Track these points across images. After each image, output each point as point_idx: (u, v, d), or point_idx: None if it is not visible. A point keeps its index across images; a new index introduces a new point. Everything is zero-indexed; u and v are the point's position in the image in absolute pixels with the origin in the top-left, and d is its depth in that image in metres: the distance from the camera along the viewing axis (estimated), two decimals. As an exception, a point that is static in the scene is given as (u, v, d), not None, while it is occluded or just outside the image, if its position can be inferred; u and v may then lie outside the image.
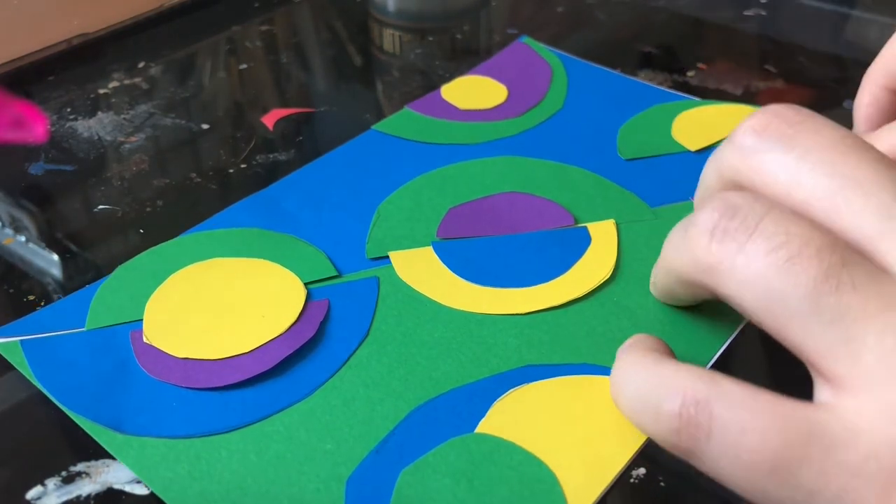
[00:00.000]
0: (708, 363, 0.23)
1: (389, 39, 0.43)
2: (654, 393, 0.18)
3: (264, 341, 0.24)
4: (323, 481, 0.20)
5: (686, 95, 0.36)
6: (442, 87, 0.37)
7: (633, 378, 0.20)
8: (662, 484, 0.21)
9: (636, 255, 0.27)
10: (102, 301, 0.26)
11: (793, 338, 0.17)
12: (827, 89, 0.37)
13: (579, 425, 0.22)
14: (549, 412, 0.22)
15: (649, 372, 0.19)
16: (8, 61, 0.39)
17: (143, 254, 0.28)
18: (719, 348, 0.24)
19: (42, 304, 0.26)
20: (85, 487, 0.21)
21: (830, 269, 0.16)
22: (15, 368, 0.24)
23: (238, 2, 0.45)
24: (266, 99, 0.38)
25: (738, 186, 0.20)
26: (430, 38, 0.42)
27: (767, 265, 0.17)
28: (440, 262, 0.27)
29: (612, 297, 0.26)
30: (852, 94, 0.36)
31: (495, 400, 0.22)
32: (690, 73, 0.38)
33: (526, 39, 0.41)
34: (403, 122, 0.34)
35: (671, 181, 0.31)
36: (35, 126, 0.35)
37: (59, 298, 0.26)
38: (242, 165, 0.33)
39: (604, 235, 0.28)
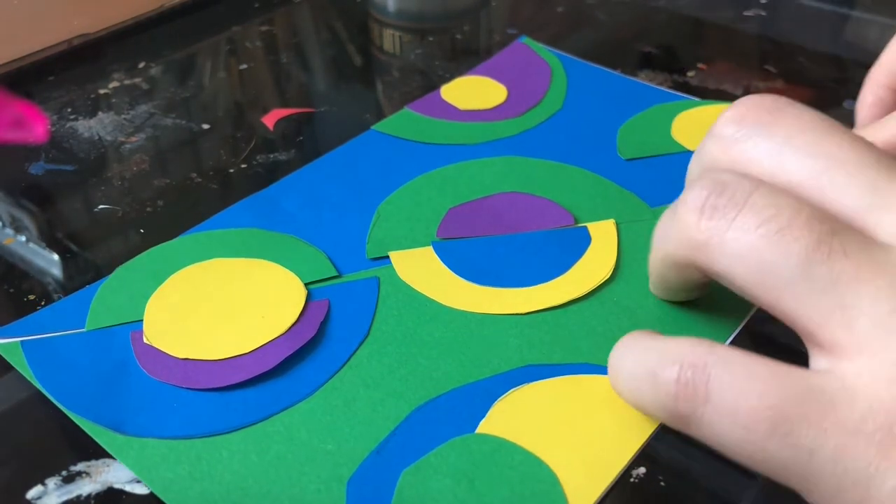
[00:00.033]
0: None
1: (389, 39, 0.43)
2: (651, 362, 0.18)
3: (265, 342, 0.24)
4: (324, 482, 0.20)
5: (686, 95, 0.36)
6: (441, 88, 0.37)
7: (630, 353, 0.20)
8: (662, 484, 0.21)
9: (636, 254, 0.27)
10: (102, 301, 0.26)
11: (786, 309, 0.17)
12: (827, 89, 0.37)
13: (580, 425, 0.22)
14: (549, 412, 0.22)
15: (647, 345, 0.19)
16: (8, 61, 0.39)
17: (144, 254, 0.28)
18: None
19: (42, 303, 0.26)
20: (85, 487, 0.21)
21: (821, 237, 0.17)
22: (15, 369, 0.24)
23: (238, 2, 0.46)
24: (266, 99, 0.38)
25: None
26: (430, 39, 0.42)
27: (758, 237, 0.17)
28: (440, 262, 0.27)
29: (612, 297, 0.26)
30: (852, 95, 0.36)
31: (496, 400, 0.22)
32: (690, 74, 0.38)
33: (525, 40, 0.41)
34: (403, 123, 0.34)
35: (671, 181, 0.31)
36: (35, 126, 0.35)
37: (60, 298, 0.26)
38: (243, 165, 0.33)
39: (604, 235, 0.28)
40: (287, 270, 0.27)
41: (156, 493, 0.20)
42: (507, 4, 0.46)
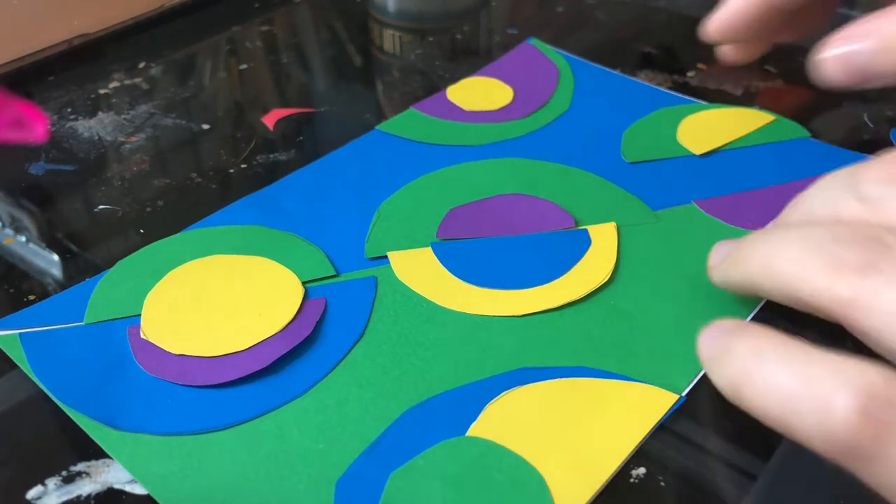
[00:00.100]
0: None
1: (390, 40, 0.43)
2: (822, 382, 0.16)
3: (261, 339, 0.24)
4: (313, 482, 0.20)
5: (692, 99, 0.36)
6: (448, 89, 0.37)
7: (781, 365, 0.17)
8: (662, 484, 0.21)
9: (636, 258, 0.27)
10: (102, 295, 0.26)
11: None
12: (826, 90, 0.37)
13: (571, 429, 0.22)
14: (540, 415, 0.22)
15: (807, 358, 0.17)
16: (8, 61, 0.39)
17: (143, 249, 0.28)
18: None
19: (39, 302, 0.26)
20: (85, 487, 0.21)
21: None
22: (15, 369, 0.24)
23: (238, 2, 0.45)
24: (266, 99, 0.38)
25: None
26: (431, 39, 0.42)
27: None
28: (439, 263, 0.27)
29: (610, 300, 0.26)
30: (852, 95, 0.36)
31: (488, 403, 0.22)
32: (690, 74, 0.38)
33: (533, 41, 0.41)
34: (408, 123, 0.34)
35: (674, 184, 0.31)
36: (35, 126, 0.35)
37: (42, 301, 0.26)
38: (243, 165, 0.33)
39: (604, 238, 0.28)
40: (285, 268, 0.27)
41: (146, 489, 0.20)
42: (507, 4, 0.46)
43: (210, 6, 0.45)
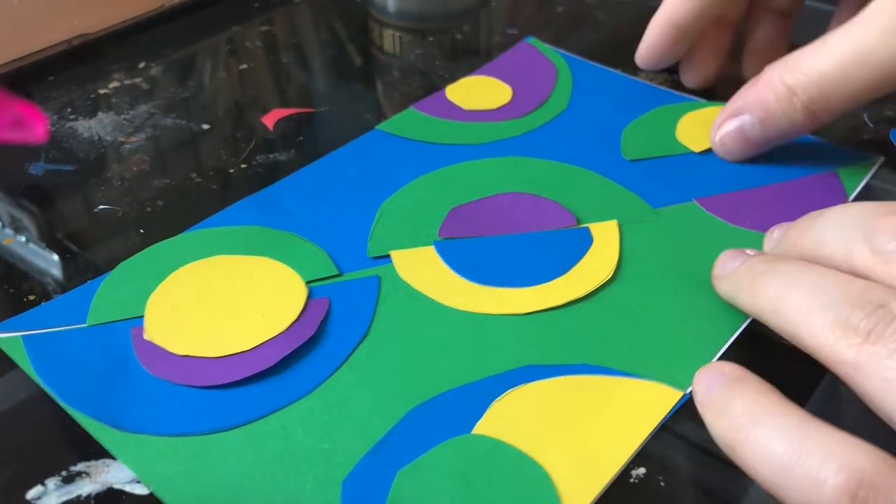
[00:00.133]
0: (710, 362, 0.23)
1: (389, 40, 0.43)
2: (813, 462, 0.17)
3: (264, 339, 0.24)
4: (320, 481, 0.20)
5: (691, 97, 0.36)
6: (447, 88, 0.37)
7: (775, 433, 0.18)
8: (662, 484, 0.21)
9: (638, 255, 0.27)
10: (104, 297, 0.26)
11: None
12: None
13: (577, 426, 0.22)
14: (546, 413, 0.22)
15: (800, 433, 0.17)
16: (8, 61, 0.39)
17: (145, 251, 0.28)
18: (720, 349, 0.24)
19: (42, 304, 0.26)
20: (85, 487, 0.21)
21: None
22: (15, 369, 0.24)
23: (238, 2, 0.45)
24: (266, 99, 0.38)
25: (872, 280, 0.20)
26: (431, 39, 0.42)
27: None
28: (442, 261, 0.27)
29: (612, 298, 0.26)
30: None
31: (493, 401, 0.22)
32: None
33: (531, 40, 0.41)
34: (408, 122, 0.34)
35: (674, 182, 0.31)
36: (35, 126, 0.35)
37: (45, 303, 0.26)
38: (243, 166, 0.33)
39: (606, 236, 0.28)
40: (288, 268, 0.27)
41: (152, 490, 0.20)
42: (507, 4, 0.46)
43: (210, 6, 0.45)
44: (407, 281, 0.26)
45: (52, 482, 0.21)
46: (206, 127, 0.35)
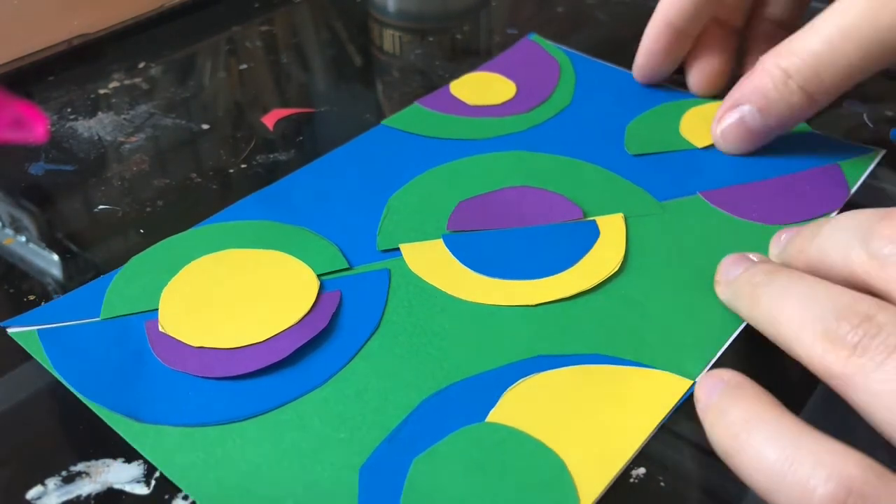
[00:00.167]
0: (716, 354, 0.24)
1: (389, 40, 0.43)
2: (803, 469, 0.17)
3: (278, 331, 0.24)
4: (337, 469, 0.21)
5: (694, 95, 0.36)
6: (451, 83, 0.37)
7: (768, 441, 0.18)
8: (662, 484, 0.21)
9: (644, 248, 0.28)
10: (117, 291, 0.26)
11: None
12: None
13: (589, 414, 0.22)
14: (559, 401, 0.22)
15: (792, 441, 0.18)
16: (8, 61, 0.39)
17: (157, 245, 0.28)
18: (727, 338, 0.24)
19: (42, 304, 0.26)
20: (85, 487, 0.21)
21: None
22: (15, 369, 0.24)
23: (238, 2, 0.45)
24: (266, 99, 0.38)
25: (868, 288, 0.20)
26: (431, 39, 0.42)
27: None
28: (450, 254, 0.27)
29: (620, 290, 0.26)
30: (852, 95, 0.36)
31: (506, 389, 0.23)
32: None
33: (534, 37, 0.41)
34: (413, 118, 0.35)
35: (679, 176, 0.31)
36: (35, 126, 0.35)
37: (60, 297, 0.26)
38: (243, 166, 0.33)
39: (612, 229, 0.28)
40: (300, 262, 0.27)
41: (172, 479, 0.20)
42: (507, 4, 0.46)
43: (210, 6, 0.45)
44: (417, 273, 0.27)
45: (52, 482, 0.21)
46: (206, 127, 0.35)
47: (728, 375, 0.20)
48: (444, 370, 0.23)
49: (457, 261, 0.27)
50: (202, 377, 0.23)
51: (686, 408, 0.22)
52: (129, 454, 0.21)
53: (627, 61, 0.38)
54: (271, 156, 0.33)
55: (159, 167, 0.33)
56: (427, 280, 0.26)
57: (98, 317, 0.25)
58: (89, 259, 0.28)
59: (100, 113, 0.36)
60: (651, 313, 0.25)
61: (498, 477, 0.20)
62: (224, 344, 0.24)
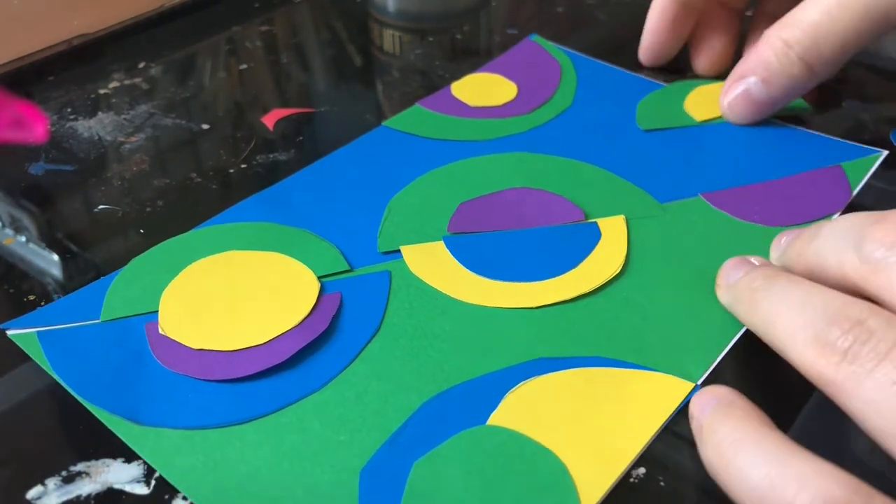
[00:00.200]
0: (717, 357, 0.24)
1: (389, 40, 0.43)
2: (782, 485, 0.17)
3: (278, 333, 0.24)
4: (337, 472, 0.21)
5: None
6: (452, 85, 0.37)
7: (752, 460, 0.18)
8: (662, 484, 0.21)
9: (646, 250, 0.27)
10: (117, 293, 0.26)
11: None
12: (826, 89, 0.37)
13: (590, 417, 0.22)
14: (560, 404, 0.22)
15: (773, 457, 0.18)
16: (8, 61, 0.39)
17: (157, 247, 0.28)
18: (728, 342, 0.24)
19: (42, 304, 0.26)
20: (85, 487, 0.21)
21: None
22: (15, 369, 0.24)
23: (238, 2, 0.45)
24: (266, 99, 0.38)
25: (862, 292, 0.20)
26: (431, 39, 0.42)
27: (894, 393, 0.17)
28: (451, 256, 0.27)
29: (621, 292, 0.26)
30: (852, 95, 0.36)
31: (507, 392, 0.23)
32: (690, 74, 0.38)
33: (535, 38, 0.41)
34: (414, 119, 0.35)
35: (680, 177, 0.31)
36: (35, 126, 0.35)
37: (60, 298, 0.26)
38: (243, 166, 0.33)
39: (614, 231, 0.28)
40: (300, 264, 0.27)
41: (172, 482, 0.20)
42: (507, 4, 0.46)
43: (210, 6, 0.45)
44: (417, 275, 0.27)
45: (52, 482, 0.21)
46: (206, 127, 0.35)
47: (721, 392, 0.20)
48: (445, 373, 0.23)
49: (458, 263, 0.27)
50: (202, 379, 0.23)
51: (687, 408, 0.22)
52: (129, 454, 0.21)
53: (627, 61, 0.38)
54: (271, 156, 0.33)
55: (159, 167, 0.33)
56: (428, 282, 0.26)
57: (98, 319, 0.25)
58: (89, 259, 0.28)
59: (100, 113, 0.36)
60: (652, 316, 0.25)
61: (499, 480, 0.20)
62: (224, 346, 0.24)
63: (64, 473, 0.21)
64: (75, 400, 0.23)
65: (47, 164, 0.33)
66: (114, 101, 0.37)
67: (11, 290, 0.27)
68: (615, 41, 0.42)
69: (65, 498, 0.20)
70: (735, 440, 0.19)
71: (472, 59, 0.40)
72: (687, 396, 0.22)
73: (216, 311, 0.25)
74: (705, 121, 0.34)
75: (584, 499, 0.20)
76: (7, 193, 0.32)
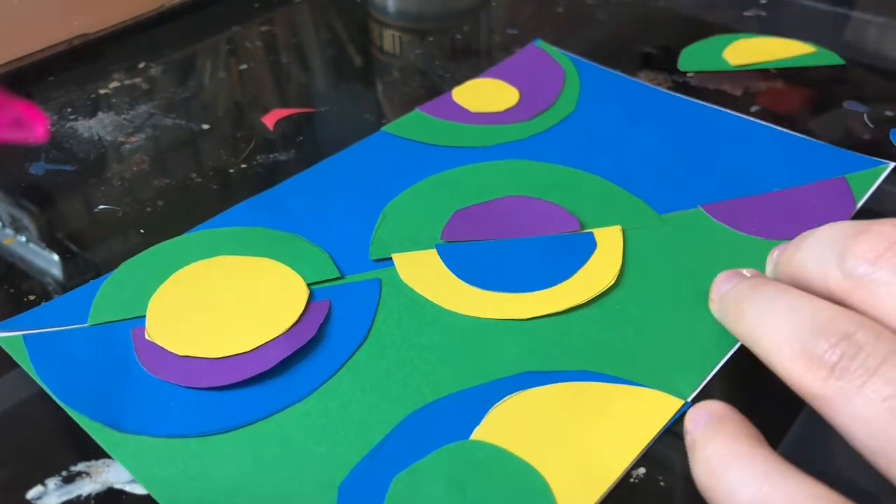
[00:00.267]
0: (709, 374, 0.23)
1: (389, 40, 0.43)
2: (770, 503, 0.17)
3: (264, 341, 0.24)
4: (316, 485, 0.20)
5: (695, 99, 0.36)
6: (453, 90, 0.37)
7: (738, 477, 0.18)
8: (662, 484, 0.21)
9: (642, 262, 0.27)
10: (105, 297, 0.26)
11: None
12: (827, 89, 0.37)
13: (575, 434, 0.22)
14: (545, 420, 0.22)
15: (765, 473, 0.18)
16: (8, 61, 0.39)
17: (148, 251, 0.28)
18: (721, 358, 0.24)
19: (43, 304, 0.26)
20: (85, 487, 0.21)
21: None
22: (15, 368, 0.24)
23: (238, 2, 0.45)
24: (266, 99, 0.38)
25: (846, 305, 0.20)
26: (430, 39, 0.42)
27: (884, 410, 0.17)
28: (443, 265, 0.27)
29: (615, 304, 0.26)
30: (852, 95, 0.36)
31: (492, 406, 0.22)
32: (690, 74, 0.38)
33: (539, 43, 0.41)
34: (413, 124, 0.34)
35: (680, 188, 0.30)
36: (35, 126, 0.35)
37: (46, 302, 0.26)
38: (243, 166, 0.33)
39: (609, 241, 0.28)
40: (290, 270, 0.27)
41: (149, 491, 0.20)
42: (507, 4, 0.46)
43: (210, 6, 0.45)
44: (408, 284, 0.26)
45: (52, 482, 0.21)
46: (206, 127, 0.35)
47: (715, 407, 0.20)
48: (431, 385, 0.23)
49: (449, 272, 0.27)
50: (186, 387, 0.23)
51: (676, 425, 0.22)
52: (129, 454, 0.21)
53: (628, 62, 0.38)
54: (271, 156, 0.33)
55: (159, 167, 0.33)
56: (418, 291, 0.26)
57: (86, 322, 0.25)
58: (89, 259, 0.28)
59: (100, 113, 0.36)
60: (645, 330, 0.25)
61: (479, 496, 0.20)
62: (209, 353, 0.24)
63: (64, 473, 0.21)
64: (75, 400, 0.23)
65: (47, 164, 0.33)
66: (114, 101, 0.37)
67: (11, 290, 0.27)
68: (615, 41, 0.42)
69: (65, 498, 0.20)
70: (723, 457, 0.18)
71: (472, 59, 0.40)
72: (676, 414, 0.22)
73: (203, 317, 0.25)
74: (739, 65, 0.38)
75: None
76: (7, 193, 0.32)
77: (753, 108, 0.35)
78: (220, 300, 0.25)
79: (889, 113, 0.35)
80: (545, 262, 0.27)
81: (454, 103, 0.36)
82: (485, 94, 0.36)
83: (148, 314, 0.25)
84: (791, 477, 0.17)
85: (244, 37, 0.43)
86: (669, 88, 0.37)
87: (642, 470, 0.21)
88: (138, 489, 0.21)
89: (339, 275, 0.27)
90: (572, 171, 0.31)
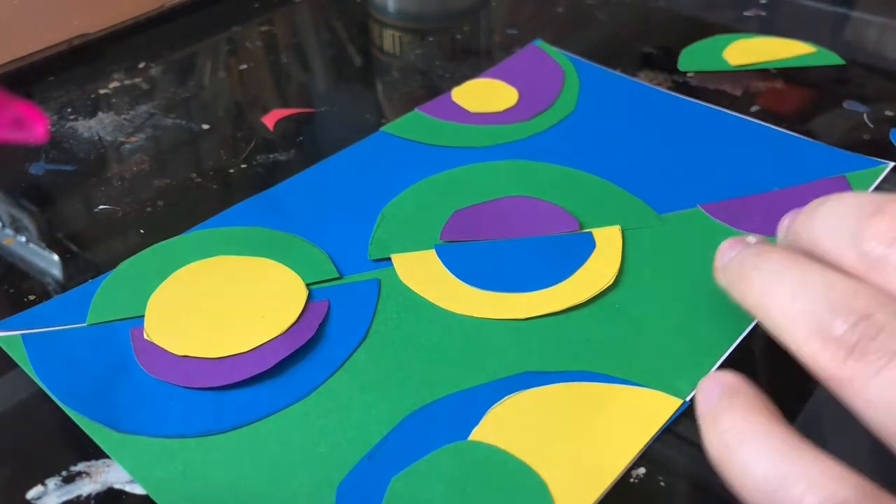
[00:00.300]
0: (710, 371, 0.23)
1: (389, 40, 0.43)
2: (790, 486, 0.17)
3: (263, 341, 0.24)
4: (315, 486, 0.20)
5: (695, 100, 0.36)
6: (453, 90, 0.37)
7: (753, 453, 0.17)
8: (662, 484, 0.21)
9: (641, 261, 0.27)
10: (104, 296, 0.26)
11: None
12: (827, 89, 0.37)
13: (574, 434, 0.22)
14: (543, 420, 0.22)
15: (782, 456, 0.17)
16: (8, 61, 0.39)
17: (147, 250, 0.28)
18: (720, 357, 0.24)
19: (41, 303, 0.26)
20: (85, 487, 0.21)
21: None
22: (15, 368, 0.24)
23: (238, 2, 0.45)
24: (266, 99, 0.38)
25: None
26: (430, 39, 0.42)
27: None
28: (442, 265, 0.27)
29: (614, 304, 0.26)
30: (852, 95, 0.36)
31: (490, 407, 0.22)
32: (690, 74, 0.38)
33: (539, 43, 0.41)
34: (413, 125, 0.34)
35: (680, 187, 0.30)
36: (35, 126, 0.35)
37: (46, 301, 0.26)
38: (243, 166, 0.33)
39: (608, 241, 0.28)
40: (289, 270, 0.27)
41: (147, 491, 0.20)
42: (507, 4, 0.46)
43: (210, 6, 0.45)
44: (407, 284, 0.26)
45: (52, 482, 0.21)
46: (206, 127, 0.35)
47: (728, 378, 0.19)
48: (429, 385, 0.23)
49: (448, 272, 0.27)
50: (184, 387, 0.23)
51: (687, 408, 0.22)
52: (129, 454, 0.21)
53: (627, 62, 0.38)
54: (271, 156, 0.33)
55: (159, 167, 0.33)
56: (417, 291, 0.26)
57: (84, 322, 0.25)
58: (89, 259, 0.28)
59: (100, 113, 0.36)
60: (644, 329, 0.25)
61: (478, 497, 0.20)
62: (208, 353, 0.24)
63: (64, 473, 0.21)
64: (75, 400, 0.23)
65: (47, 164, 0.33)
66: (114, 101, 0.37)
67: (11, 290, 0.27)
68: (615, 41, 0.42)
69: (65, 498, 0.20)
70: (739, 431, 0.18)
71: (472, 59, 0.40)
72: (674, 414, 0.22)
73: (202, 317, 0.25)
74: (739, 65, 0.38)
75: None
76: (7, 193, 0.32)
77: (753, 108, 0.35)
78: (218, 300, 0.25)
79: (889, 113, 0.35)
80: (544, 262, 0.27)
81: (454, 103, 0.36)
82: (484, 94, 0.36)
83: (147, 314, 0.25)
84: (810, 455, 0.17)
85: (244, 37, 0.43)
86: (669, 88, 0.37)
87: (642, 470, 0.21)
88: (138, 489, 0.21)
89: (337, 275, 0.27)
90: (572, 171, 0.31)
